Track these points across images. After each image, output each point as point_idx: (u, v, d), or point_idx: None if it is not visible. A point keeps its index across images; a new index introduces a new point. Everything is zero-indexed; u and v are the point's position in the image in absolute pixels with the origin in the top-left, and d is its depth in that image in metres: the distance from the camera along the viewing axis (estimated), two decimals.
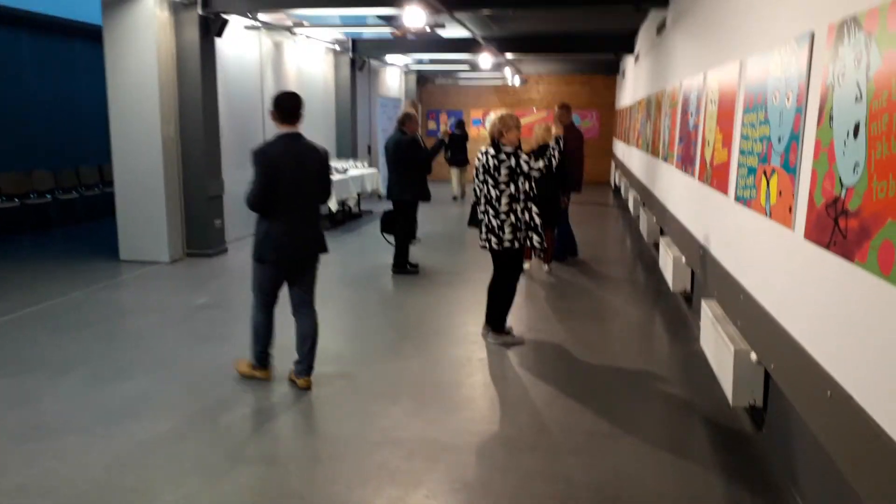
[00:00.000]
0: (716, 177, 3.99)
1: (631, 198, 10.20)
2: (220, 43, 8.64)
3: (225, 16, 8.23)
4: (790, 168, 2.59)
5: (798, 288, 2.49)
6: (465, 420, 3.91)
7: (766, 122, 2.94)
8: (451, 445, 3.59)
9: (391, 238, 7.68)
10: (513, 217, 4.86)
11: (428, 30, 8.12)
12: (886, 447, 1.74)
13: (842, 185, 2.08)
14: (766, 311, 2.85)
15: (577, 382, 4.48)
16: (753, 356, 3.14)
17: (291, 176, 4.06)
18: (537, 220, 4.98)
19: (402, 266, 7.46)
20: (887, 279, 1.78)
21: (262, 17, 9.35)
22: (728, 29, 4.10)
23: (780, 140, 2.73)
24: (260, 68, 10.00)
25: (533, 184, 4.95)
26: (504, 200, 4.84)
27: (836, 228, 2.10)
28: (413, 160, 7.17)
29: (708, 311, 3.97)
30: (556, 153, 4.99)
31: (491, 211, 4.88)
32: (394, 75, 16.50)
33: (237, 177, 9.27)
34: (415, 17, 6.28)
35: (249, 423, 3.91)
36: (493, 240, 4.92)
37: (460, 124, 14.49)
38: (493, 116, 5.01)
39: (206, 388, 4.33)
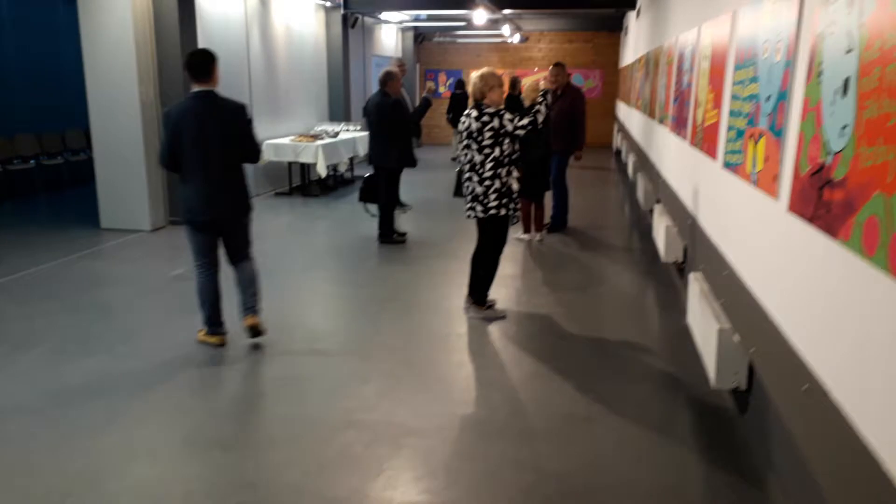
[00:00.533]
0: (706, 140, 3.69)
1: (630, 162, 9.86)
2: (201, 2, 8.28)
3: None
4: (777, 131, 2.30)
5: (781, 267, 2.23)
6: (436, 401, 3.70)
7: (755, 80, 2.64)
8: (418, 429, 3.39)
9: (371, 207, 7.41)
10: (497, 182, 4.59)
11: None
12: (859, 451, 1.50)
13: (828, 150, 1.80)
14: (749, 290, 2.59)
15: (559, 359, 4.26)
16: (737, 337, 2.90)
17: (198, 135, 4.01)
18: (515, 186, 4.72)
19: (389, 235, 7.20)
20: (871, 261, 1.52)
21: None
22: None
23: (768, 99, 2.43)
24: (245, 27, 9.62)
25: (517, 146, 4.67)
26: (488, 165, 4.57)
27: (821, 200, 1.82)
28: (396, 123, 6.82)
29: (695, 286, 3.72)
30: (543, 108, 4.65)
31: (475, 177, 4.62)
32: (389, 33, 16.01)
33: None
34: None
35: (209, 403, 3.72)
36: (479, 207, 4.66)
37: (460, 84, 14.21)
38: (473, 76, 4.68)
39: (169, 365, 4.14)
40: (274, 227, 8.21)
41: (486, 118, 4.51)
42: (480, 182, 4.61)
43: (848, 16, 1.74)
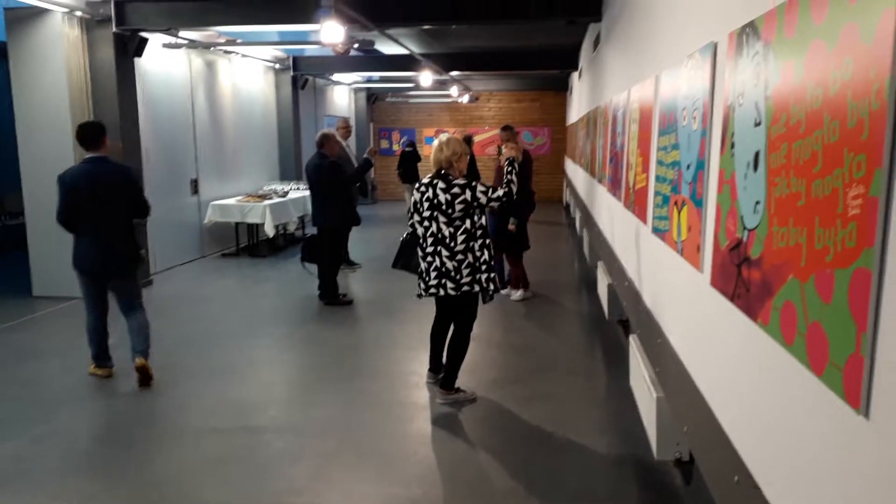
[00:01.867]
0: (637, 203, 3.66)
1: (577, 217, 9.93)
2: (143, 62, 8.18)
3: (144, 34, 7.76)
4: (698, 200, 2.25)
5: (708, 342, 2.14)
6: (371, 480, 3.49)
7: (677, 147, 2.61)
8: None
9: (310, 267, 7.29)
10: (470, 256, 4.23)
11: (356, 46, 7.75)
12: None
13: (744, 226, 1.74)
14: (681, 361, 2.50)
15: (503, 430, 4.10)
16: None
17: (91, 196, 4.55)
18: (489, 258, 4.36)
19: (334, 296, 7.02)
20: (790, 350, 1.42)
21: (189, 35, 8.89)
22: (647, 41, 3.80)
23: (688, 167, 2.39)
24: (190, 88, 9.52)
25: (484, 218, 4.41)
26: (460, 238, 4.20)
27: (740, 278, 1.75)
28: (335, 184, 6.80)
29: (635, 349, 3.62)
30: (514, 176, 4.42)
31: (444, 252, 4.22)
32: (342, 93, 16.10)
33: (166, 202, 8.77)
34: (333, 33, 5.89)
35: (126, 490, 3.44)
36: (449, 285, 4.24)
37: (411, 143, 14.60)
38: (436, 143, 4.39)
39: (89, 447, 3.87)
40: (218, 289, 7.95)
41: (456, 190, 4.18)
42: (452, 256, 4.22)
43: (755, 87, 1.70)
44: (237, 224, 10.00)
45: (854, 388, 1.16)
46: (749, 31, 1.76)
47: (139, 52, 7.79)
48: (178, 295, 7.58)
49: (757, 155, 1.66)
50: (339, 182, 6.79)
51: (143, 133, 8.12)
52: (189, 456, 3.77)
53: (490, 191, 4.24)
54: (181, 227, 9.32)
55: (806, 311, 1.35)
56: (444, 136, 4.46)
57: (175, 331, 6.17)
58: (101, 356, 4.90)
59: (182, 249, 9.37)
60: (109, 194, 4.61)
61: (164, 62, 8.86)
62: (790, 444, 1.45)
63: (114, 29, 7.41)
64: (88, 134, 4.63)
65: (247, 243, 10.39)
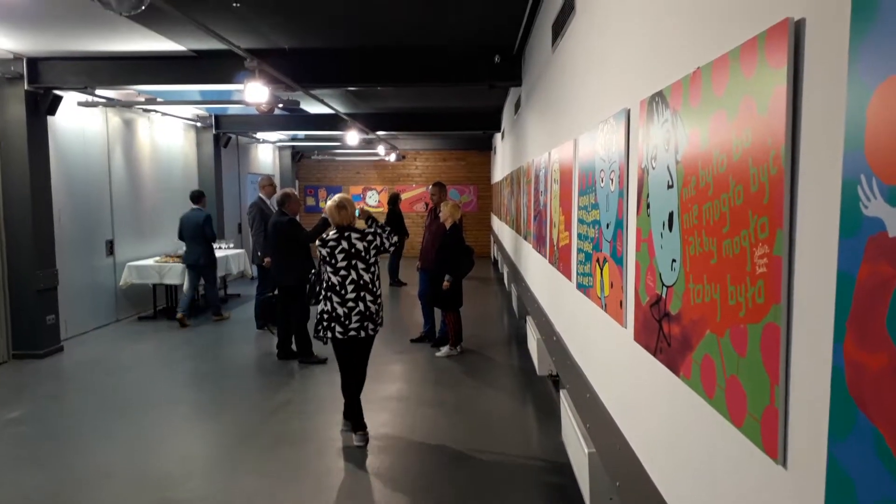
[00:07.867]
0: (561, 260, 3.76)
1: (505, 273, 10.07)
2: (57, 120, 7.91)
3: (58, 92, 7.54)
4: (618, 258, 2.33)
5: (635, 396, 2.19)
6: None
7: (596, 206, 2.71)
8: None
9: (273, 328, 7.23)
10: (381, 298, 4.74)
11: (280, 106, 7.75)
12: None
13: (662, 283, 1.81)
14: (610, 416, 2.54)
15: (435, 490, 4.02)
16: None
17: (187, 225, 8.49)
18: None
19: (309, 354, 6.94)
20: (711, 404, 1.47)
21: (106, 93, 8.69)
22: (565, 106, 3.97)
23: (608, 226, 2.49)
24: (107, 147, 9.24)
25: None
26: (377, 283, 4.69)
27: (661, 333, 1.81)
28: (293, 241, 6.77)
29: (566, 404, 3.66)
30: (379, 229, 4.79)
31: (368, 297, 4.61)
32: (266, 151, 16.00)
33: (79, 264, 8.39)
34: (256, 94, 5.88)
35: None
36: (370, 326, 4.62)
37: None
38: (332, 205, 4.71)
39: None
40: (134, 354, 7.57)
41: (370, 237, 4.63)
42: (375, 300, 4.64)
43: (667, 151, 1.80)
44: (155, 286, 9.64)
45: (771, 439, 1.21)
46: (658, 99, 1.87)
47: (52, 111, 7.55)
48: (92, 362, 7.19)
49: (671, 215, 1.74)
50: (297, 240, 6.78)
51: (56, 192, 7.80)
52: None
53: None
54: (95, 290, 8.91)
55: (724, 365, 1.41)
56: (337, 197, 4.80)
57: (89, 400, 5.81)
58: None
59: (96, 313, 8.93)
60: (194, 226, 8.72)
61: (79, 120, 8.61)
62: (716, 496, 1.48)
63: (26, 87, 7.18)
64: (193, 196, 9.03)
65: (165, 305, 10.02)
